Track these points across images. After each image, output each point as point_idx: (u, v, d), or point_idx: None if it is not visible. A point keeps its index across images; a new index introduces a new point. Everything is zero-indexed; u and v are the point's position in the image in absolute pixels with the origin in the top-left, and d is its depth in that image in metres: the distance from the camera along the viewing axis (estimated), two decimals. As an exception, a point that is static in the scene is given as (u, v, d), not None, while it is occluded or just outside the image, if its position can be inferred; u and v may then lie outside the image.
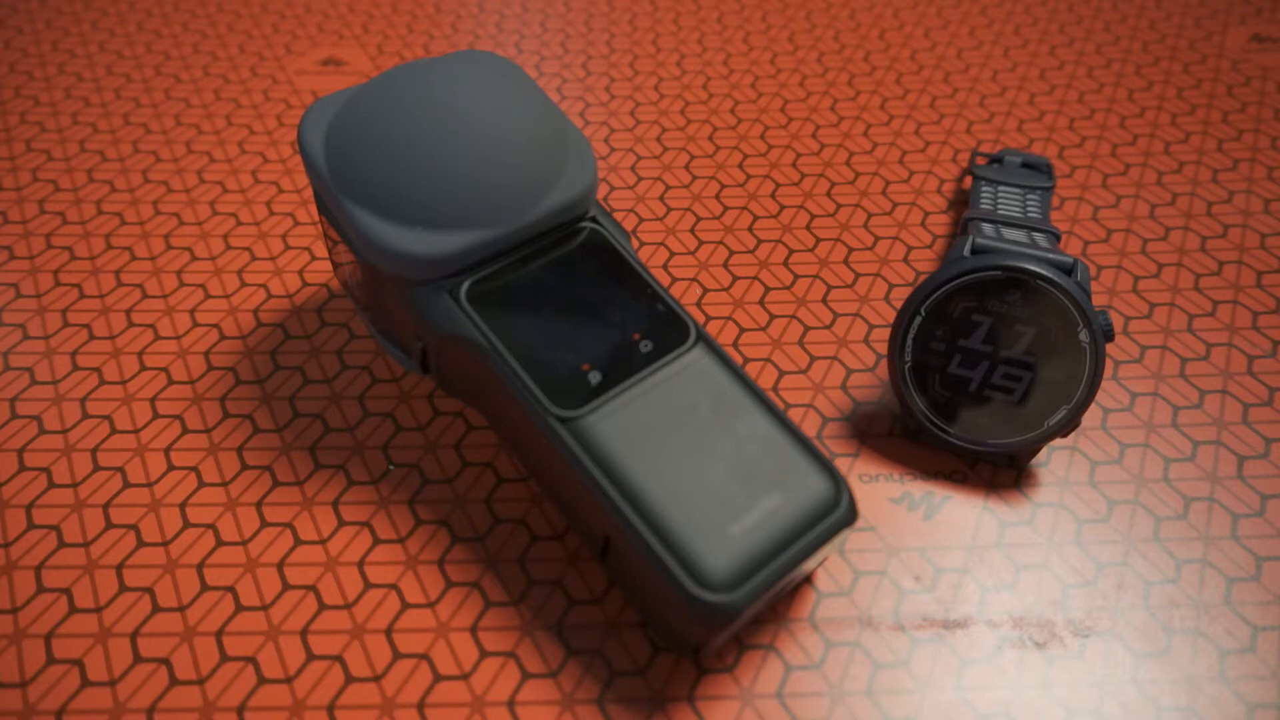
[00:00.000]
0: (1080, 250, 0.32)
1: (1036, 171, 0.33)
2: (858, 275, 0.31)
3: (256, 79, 0.40)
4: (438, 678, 0.21)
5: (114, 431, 0.26)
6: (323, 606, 0.22)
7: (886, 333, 0.29)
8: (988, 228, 0.28)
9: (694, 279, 0.31)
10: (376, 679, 0.21)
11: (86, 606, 0.22)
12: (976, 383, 0.24)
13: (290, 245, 0.32)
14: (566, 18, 0.44)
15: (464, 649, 0.22)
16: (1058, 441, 0.26)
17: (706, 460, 0.20)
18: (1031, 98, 0.39)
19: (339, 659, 0.21)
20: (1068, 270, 0.24)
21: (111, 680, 0.21)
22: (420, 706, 0.21)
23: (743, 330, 0.29)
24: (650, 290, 0.23)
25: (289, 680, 0.21)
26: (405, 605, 0.22)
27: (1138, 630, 0.22)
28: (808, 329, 0.29)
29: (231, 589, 0.23)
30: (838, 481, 0.20)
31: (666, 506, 0.20)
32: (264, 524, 0.24)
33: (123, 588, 0.23)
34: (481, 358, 0.21)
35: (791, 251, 0.32)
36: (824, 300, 0.30)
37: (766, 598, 0.19)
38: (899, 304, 0.30)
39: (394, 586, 0.23)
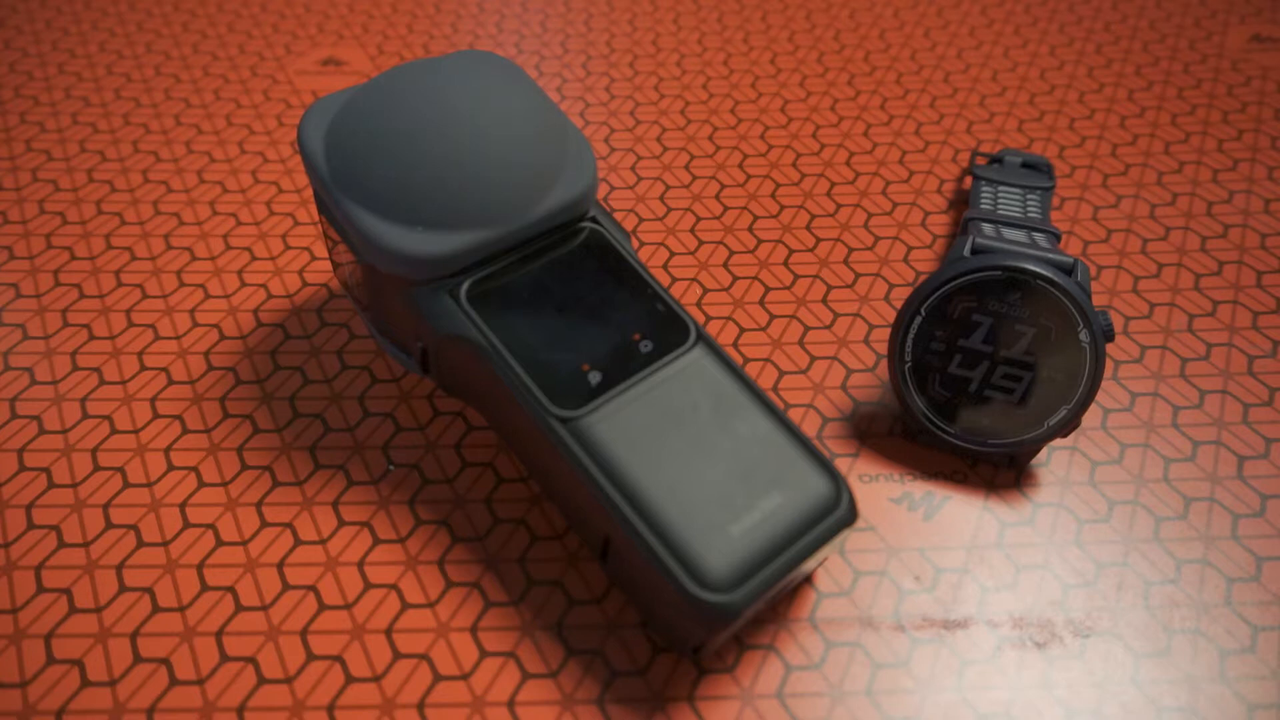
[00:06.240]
0: (1080, 250, 0.32)
1: (1036, 171, 0.33)
2: (858, 275, 0.31)
3: (256, 79, 0.40)
4: (438, 678, 0.21)
5: (114, 431, 0.26)
6: (323, 606, 0.22)
7: (886, 333, 0.29)
8: (988, 228, 0.28)
9: (694, 279, 0.31)
10: (376, 679, 0.21)
11: (86, 606, 0.22)
12: (976, 383, 0.24)
13: (290, 245, 0.32)
14: (566, 18, 0.44)
15: (464, 649, 0.22)
16: (1058, 441, 0.26)
17: (706, 460, 0.20)
18: (1031, 98, 0.39)
19: (339, 659, 0.21)
20: (1068, 270, 0.24)
21: (111, 680, 0.21)
22: (420, 707, 0.21)
23: (743, 330, 0.29)
24: (650, 290, 0.23)
25: (289, 680, 0.21)
26: (405, 605, 0.22)
27: (1138, 630, 0.22)
28: (808, 329, 0.29)
29: (231, 589, 0.23)
30: (838, 481, 0.20)
31: (666, 507, 0.20)
32: (264, 524, 0.24)
33: (123, 588, 0.23)
34: (481, 358, 0.21)
35: (791, 251, 0.32)
36: (824, 300, 0.30)
37: (766, 598, 0.19)
38: (899, 304, 0.30)
39: (394, 586, 0.23)
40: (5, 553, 0.23)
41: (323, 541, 0.24)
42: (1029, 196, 0.31)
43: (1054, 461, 0.25)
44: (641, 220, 0.33)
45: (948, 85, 0.40)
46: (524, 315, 0.22)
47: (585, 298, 0.22)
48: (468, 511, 0.24)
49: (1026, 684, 0.21)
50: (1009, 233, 0.27)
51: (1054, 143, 0.37)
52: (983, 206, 0.30)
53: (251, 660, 0.21)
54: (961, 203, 0.34)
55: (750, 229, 0.33)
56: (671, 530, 0.19)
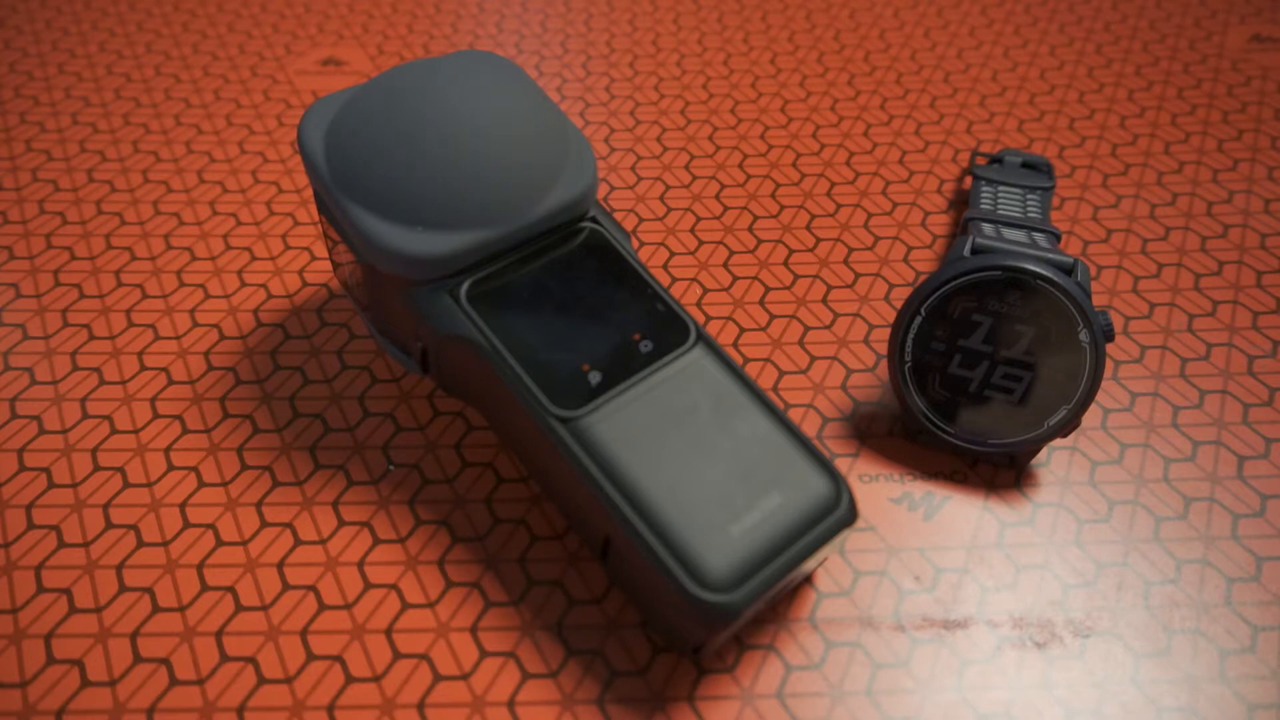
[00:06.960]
0: (1080, 250, 0.32)
1: (1036, 171, 0.33)
2: (858, 275, 0.31)
3: (256, 79, 0.40)
4: (438, 678, 0.21)
5: (114, 431, 0.26)
6: (323, 606, 0.22)
7: (886, 333, 0.29)
8: (988, 228, 0.28)
9: (694, 279, 0.31)
10: (376, 679, 0.21)
11: (86, 606, 0.22)
12: (976, 383, 0.24)
13: (290, 245, 0.32)
14: (566, 18, 0.44)
15: (464, 649, 0.22)
16: (1058, 441, 0.26)
17: (706, 460, 0.20)
18: (1031, 98, 0.39)
19: (339, 659, 0.21)
20: (1068, 270, 0.24)
21: (111, 680, 0.21)
22: (420, 706, 0.21)
23: (743, 330, 0.29)
24: (650, 290, 0.23)
25: (289, 680, 0.21)
26: (405, 605, 0.22)
27: (1138, 630, 0.22)
28: (808, 329, 0.29)
29: (231, 589, 0.23)
30: (838, 481, 0.20)
31: (666, 507, 0.20)
32: (264, 524, 0.24)
33: (123, 588, 0.23)
34: (481, 358, 0.21)
35: (791, 251, 0.32)
36: (824, 300, 0.30)
37: (766, 598, 0.19)
38: (899, 304, 0.30)
39: (394, 586, 0.23)
40: (5, 553, 0.23)
41: (323, 541, 0.24)
42: (1029, 196, 0.31)
43: (1054, 461, 0.25)
44: (641, 220, 0.33)
45: (948, 85, 0.40)
46: (524, 315, 0.22)
47: (585, 298, 0.22)
48: (468, 511, 0.24)
49: (1026, 684, 0.21)
50: (1009, 233, 0.27)
51: (1054, 143, 0.37)
52: (983, 206, 0.30)
53: (251, 660, 0.21)
54: (961, 203, 0.34)
55: (750, 229, 0.33)
56: (671, 530, 0.19)
